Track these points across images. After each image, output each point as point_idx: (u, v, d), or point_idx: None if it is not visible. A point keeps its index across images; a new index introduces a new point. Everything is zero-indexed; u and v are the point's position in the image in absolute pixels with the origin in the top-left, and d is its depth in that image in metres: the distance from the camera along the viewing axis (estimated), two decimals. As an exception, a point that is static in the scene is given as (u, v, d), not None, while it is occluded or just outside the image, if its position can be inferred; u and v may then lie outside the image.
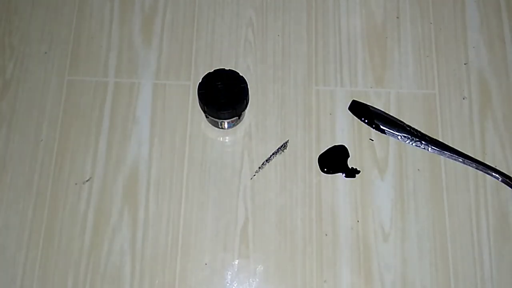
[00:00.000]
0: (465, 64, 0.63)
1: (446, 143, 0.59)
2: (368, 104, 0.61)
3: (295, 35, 0.64)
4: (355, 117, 0.60)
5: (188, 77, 0.62)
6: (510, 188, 0.58)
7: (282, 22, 0.64)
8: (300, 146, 0.59)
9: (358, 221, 0.57)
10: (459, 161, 0.59)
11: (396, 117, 0.60)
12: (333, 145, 0.59)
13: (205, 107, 0.54)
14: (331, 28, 0.64)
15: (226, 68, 0.55)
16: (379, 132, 0.60)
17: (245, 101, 0.55)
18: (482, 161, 0.59)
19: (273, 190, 0.58)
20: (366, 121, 0.60)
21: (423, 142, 0.59)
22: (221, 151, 0.59)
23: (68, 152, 0.59)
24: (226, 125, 0.58)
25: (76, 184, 0.58)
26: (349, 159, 0.59)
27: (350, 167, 0.59)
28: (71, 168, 0.58)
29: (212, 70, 0.55)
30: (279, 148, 0.59)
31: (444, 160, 0.59)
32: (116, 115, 0.60)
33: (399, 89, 0.62)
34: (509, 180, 0.58)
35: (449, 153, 0.59)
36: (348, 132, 0.60)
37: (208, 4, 0.65)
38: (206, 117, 0.57)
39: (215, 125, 0.59)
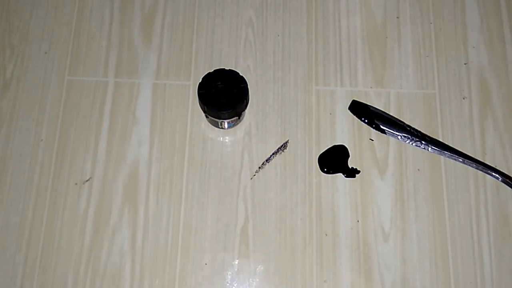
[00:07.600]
0: (465, 64, 0.63)
1: (446, 143, 0.59)
2: (368, 104, 0.61)
3: (295, 35, 0.64)
4: (355, 117, 0.60)
5: (188, 77, 0.62)
6: (510, 188, 0.58)
7: (282, 22, 0.64)
8: (300, 146, 0.59)
9: (358, 221, 0.57)
10: (459, 161, 0.59)
11: (396, 117, 0.60)
12: (333, 145, 0.59)
13: (205, 107, 0.54)
14: (331, 28, 0.64)
15: (226, 68, 0.55)
16: (379, 132, 0.60)
17: (245, 101, 0.55)
18: (482, 161, 0.59)
19: (273, 190, 0.58)
20: (366, 121, 0.60)
21: (423, 142, 0.59)
22: (221, 151, 0.59)
23: (68, 152, 0.59)
24: (226, 125, 0.58)
25: (76, 184, 0.58)
26: (349, 159, 0.59)
27: (350, 167, 0.59)
28: (71, 168, 0.58)
29: (212, 70, 0.55)
30: (279, 148, 0.59)
31: (444, 160, 0.59)
32: (116, 115, 0.60)
33: (399, 89, 0.62)
34: (509, 180, 0.58)
35: (449, 153, 0.59)
36: (348, 132, 0.60)
37: (208, 4, 0.65)
38: (206, 117, 0.57)
39: (215, 125, 0.59)
